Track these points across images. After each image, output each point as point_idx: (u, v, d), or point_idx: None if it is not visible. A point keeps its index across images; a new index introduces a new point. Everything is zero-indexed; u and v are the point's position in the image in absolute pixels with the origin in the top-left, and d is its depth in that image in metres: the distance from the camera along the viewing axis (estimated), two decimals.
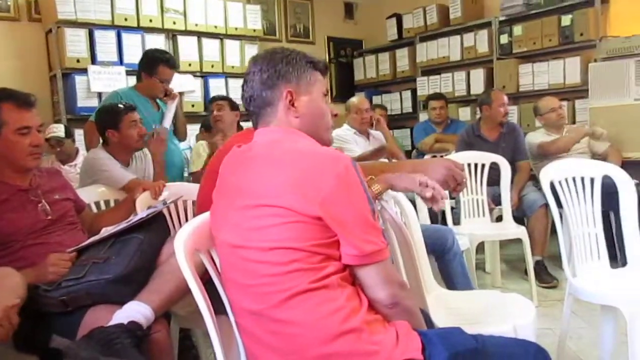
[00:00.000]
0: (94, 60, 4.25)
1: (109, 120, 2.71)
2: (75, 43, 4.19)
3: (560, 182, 2.23)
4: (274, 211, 1.14)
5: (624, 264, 2.27)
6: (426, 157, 4.49)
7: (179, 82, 4.45)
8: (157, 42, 4.48)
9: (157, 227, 1.89)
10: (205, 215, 1.36)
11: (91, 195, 2.54)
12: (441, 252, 2.55)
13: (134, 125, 2.73)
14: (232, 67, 5.00)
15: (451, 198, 3.52)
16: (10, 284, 1.54)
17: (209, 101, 3.73)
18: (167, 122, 3.31)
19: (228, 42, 5.00)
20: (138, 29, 4.48)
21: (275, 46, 1.41)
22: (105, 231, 1.85)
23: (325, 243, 1.14)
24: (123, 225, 1.82)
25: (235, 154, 1.31)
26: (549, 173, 2.25)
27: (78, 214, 2.12)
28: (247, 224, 1.18)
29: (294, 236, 1.13)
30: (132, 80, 4.07)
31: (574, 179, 2.25)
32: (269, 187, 1.16)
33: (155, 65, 3.32)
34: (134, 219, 1.87)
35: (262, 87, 1.30)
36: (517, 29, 4.90)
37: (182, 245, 1.23)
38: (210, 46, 4.91)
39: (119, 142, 2.72)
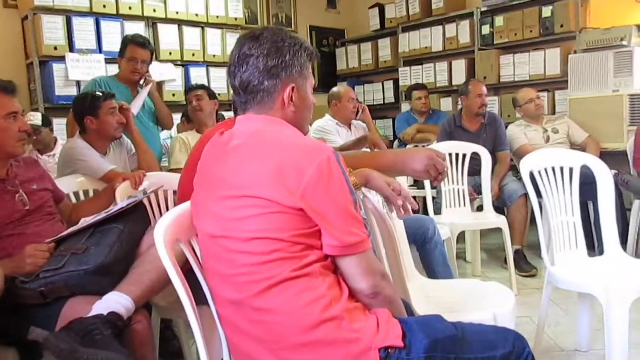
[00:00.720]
0: (72, 48, 4.18)
1: (87, 108, 2.67)
2: (52, 30, 4.10)
3: (539, 172, 2.26)
4: (255, 202, 1.13)
5: (601, 252, 2.31)
6: (408, 147, 4.50)
7: (159, 71, 4.40)
8: (137, 30, 4.40)
9: (138, 218, 1.87)
10: (186, 205, 1.35)
11: (70, 185, 2.51)
12: (422, 241, 2.57)
13: (113, 112, 2.70)
14: (214, 56, 4.94)
15: (432, 188, 3.55)
16: None
17: (187, 91, 3.66)
18: (135, 108, 3.26)
19: (209, 31, 4.94)
20: (117, 16, 4.40)
21: (273, 27, 1.34)
22: (85, 222, 1.83)
23: (306, 233, 1.14)
24: (102, 215, 1.80)
25: (217, 143, 1.30)
26: (528, 163, 2.27)
27: (57, 205, 2.09)
28: (228, 214, 1.17)
29: (275, 227, 1.12)
30: (112, 69, 4.01)
31: (553, 169, 2.27)
32: (250, 178, 1.15)
33: (124, 46, 3.32)
34: (113, 209, 1.84)
35: (265, 75, 1.24)
36: (499, 20, 4.92)
37: (162, 235, 1.22)
38: (191, 35, 4.85)
39: (98, 130, 2.68)
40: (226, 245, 1.17)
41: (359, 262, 1.17)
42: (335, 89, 4.19)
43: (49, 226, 1.93)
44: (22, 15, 4.28)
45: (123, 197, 2.30)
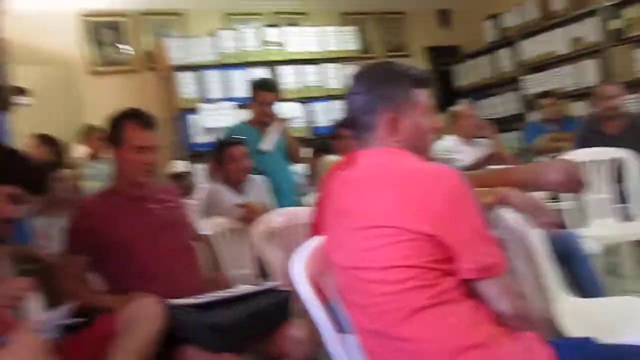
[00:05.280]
0: (205, 99, 4.58)
1: (215, 155, 3.03)
2: (186, 85, 4.54)
3: None
4: (385, 231, 1.15)
5: None
6: (541, 159, 4.28)
7: (283, 110, 4.63)
8: (258, 74, 4.68)
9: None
10: (321, 238, 1.40)
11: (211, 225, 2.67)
12: (566, 257, 2.42)
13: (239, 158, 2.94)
14: (333, 89, 5.12)
15: (572, 200, 3.33)
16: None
17: (340, 125, 3.52)
18: (266, 144, 3.43)
19: (326, 66, 5.14)
20: (241, 65, 4.75)
21: (377, 63, 1.38)
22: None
23: (440, 259, 1.14)
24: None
25: (340, 178, 1.33)
26: None
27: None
28: (359, 245, 1.20)
29: (408, 254, 1.13)
30: (240, 113, 4.30)
31: None
32: (377, 209, 1.17)
33: (254, 91, 3.53)
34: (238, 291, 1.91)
35: (362, 110, 1.29)
36: (629, 12, 4.56)
37: (301, 267, 1.28)
38: (309, 71, 5.07)
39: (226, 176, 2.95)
40: (360, 276, 1.20)
41: (497, 283, 1.14)
42: (453, 108, 4.15)
43: (179, 241, 2.04)
44: (161, 75, 4.76)
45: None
